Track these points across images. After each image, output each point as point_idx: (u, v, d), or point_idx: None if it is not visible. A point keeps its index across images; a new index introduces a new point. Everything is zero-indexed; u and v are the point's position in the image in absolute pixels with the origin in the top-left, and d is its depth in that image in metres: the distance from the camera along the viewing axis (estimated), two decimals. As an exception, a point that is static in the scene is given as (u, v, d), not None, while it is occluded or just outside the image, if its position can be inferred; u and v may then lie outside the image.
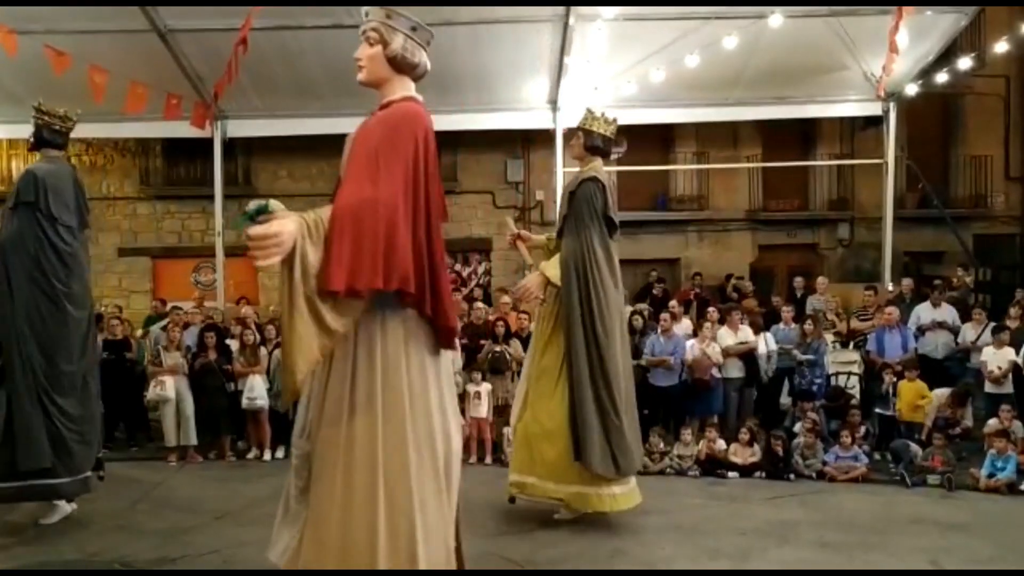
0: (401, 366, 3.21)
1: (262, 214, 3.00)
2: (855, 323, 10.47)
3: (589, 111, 6.25)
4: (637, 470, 6.35)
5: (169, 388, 8.77)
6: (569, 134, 12.32)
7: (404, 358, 3.23)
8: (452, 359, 3.92)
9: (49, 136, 6.19)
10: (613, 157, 16.55)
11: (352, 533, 3.18)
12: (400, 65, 3.42)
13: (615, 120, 6.23)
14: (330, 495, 3.21)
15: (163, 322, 9.99)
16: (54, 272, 5.85)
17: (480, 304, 10.53)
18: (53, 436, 5.75)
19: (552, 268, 5.93)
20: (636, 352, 9.36)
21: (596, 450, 5.81)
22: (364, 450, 3.17)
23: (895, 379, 8.88)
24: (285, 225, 2.89)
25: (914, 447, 8.18)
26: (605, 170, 6.15)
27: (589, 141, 6.13)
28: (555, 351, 6.01)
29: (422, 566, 3.19)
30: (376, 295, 3.09)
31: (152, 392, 8.92)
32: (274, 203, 3.04)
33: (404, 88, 3.45)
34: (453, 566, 3.45)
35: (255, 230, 2.87)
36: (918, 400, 8.68)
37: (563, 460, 5.88)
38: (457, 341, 9.38)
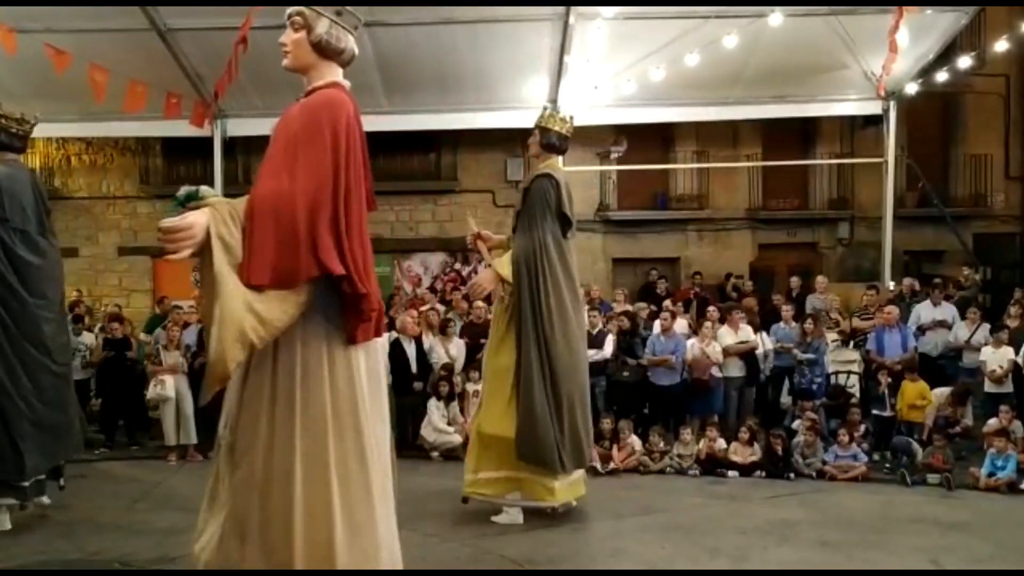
0: (323, 354, 3.16)
1: (192, 200, 2.99)
2: (856, 322, 10.47)
3: (546, 109, 6.32)
4: (583, 467, 6.34)
5: (169, 387, 8.78)
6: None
7: (326, 346, 3.17)
8: (382, 347, 3.82)
9: (6, 139, 6.05)
10: (613, 157, 16.64)
11: (270, 522, 3.13)
12: (325, 50, 3.33)
13: (571, 118, 6.31)
14: (248, 485, 3.15)
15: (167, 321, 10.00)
16: (7, 276, 5.75)
17: (480, 303, 10.51)
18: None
19: (505, 265, 5.91)
20: (630, 351, 9.38)
21: (540, 445, 5.78)
22: (282, 439, 3.11)
23: (890, 380, 8.87)
24: (198, 218, 2.89)
25: (915, 445, 8.20)
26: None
27: (545, 139, 6.15)
28: (509, 349, 5.97)
29: (341, 561, 3.13)
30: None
31: (152, 391, 8.93)
32: (205, 189, 3.03)
33: (331, 74, 3.36)
34: (400, 565, 3.39)
35: (165, 223, 2.87)
36: (919, 400, 8.68)
37: (511, 455, 5.88)
38: (461, 339, 9.35)
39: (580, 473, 6.23)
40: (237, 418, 3.22)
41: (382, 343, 3.72)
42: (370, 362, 3.35)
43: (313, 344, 3.15)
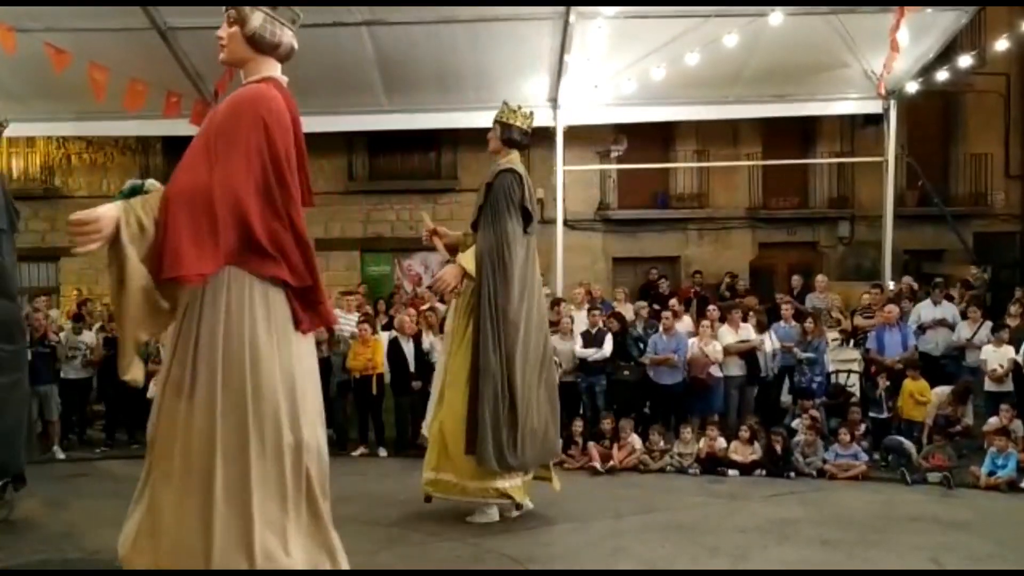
0: (245, 349, 3.09)
1: (137, 194, 3.00)
2: (858, 320, 10.47)
3: (506, 104, 6.29)
4: (531, 469, 6.16)
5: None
6: (570, 131, 12.40)
7: (248, 341, 3.10)
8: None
9: None
10: (613, 155, 16.62)
11: (186, 520, 3.08)
12: (259, 45, 3.25)
13: (532, 114, 6.33)
14: (166, 481, 3.13)
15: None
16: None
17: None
18: None
19: (469, 260, 5.86)
20: (624, 352, 9.39)
21: (487, 444, 5.71)
22: (201, 435, 3.05)
23: (888, 383, 8.86)
24: (108, 211, 2.90)
25: (907, 444, 8.18)
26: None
27: (506, 134, 6.15)
28: (468, 347, 5.90)
29: (259, 561, 3.06)
30: (220, 276, 3.06)
31: (152, 390, 8.89)
32: (151, 182, 3.04)
33: (267, 69, 3.29)
34: (335, 564, 3.38)
35: (75, 215, 2.88)
36: (919, 397, 8.67)
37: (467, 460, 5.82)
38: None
39: (523, 479, 6.06)
40: (159, 413, 3.17)
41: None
42: (312, 355, 3.37)
43: (236, 337, 3.09)
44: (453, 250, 6.26)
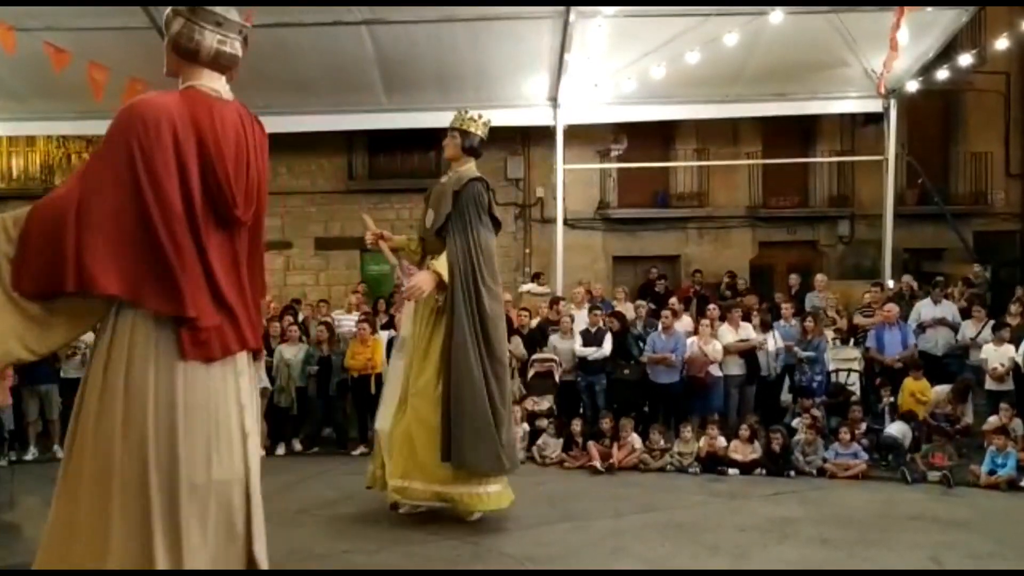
0: (149, 368, 2.97)
1: None
2: (859, 319, 10.46)
3: (460, 112, 6.22)
4: (517, 467, 6.21)
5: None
6: (570, 130, 12.40)
7: (153, 359, 2.98)
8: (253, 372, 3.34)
9: None
10: (613, 154, 16.59)
11: (77, 544, 2.97)
12: (180, 51, 3.11)
13: (488, 121, 6.24)
14: (61, 510, 3.01)
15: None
16: None
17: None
18: None
19: (443, 266, 5.81)
20: (624, 351, 9.38)
21: (479, 447, 5.68)
22: (102, 449, 2.95)
23: (892, 399, 8.76)
24: None
25: (899, 436, 8.14)
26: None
27: (468, 142, 6.10)
28: (437, 351, 5.86)
29: None
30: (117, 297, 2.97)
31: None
32: None
33: (194, 77, 3.14)
34: None
35: None
36: (920, 395, 8.65)
37: (440, 467, 5.77)
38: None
39: (505, 480, 6.04)
40: (72, 437, 3.07)
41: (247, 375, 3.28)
42: (206, 386, 3.06)
43: (139, 356, 2.98)
44: (394, 253, 6.36)
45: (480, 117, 6.19)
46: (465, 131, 6.12)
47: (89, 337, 10.17)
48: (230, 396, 3.14)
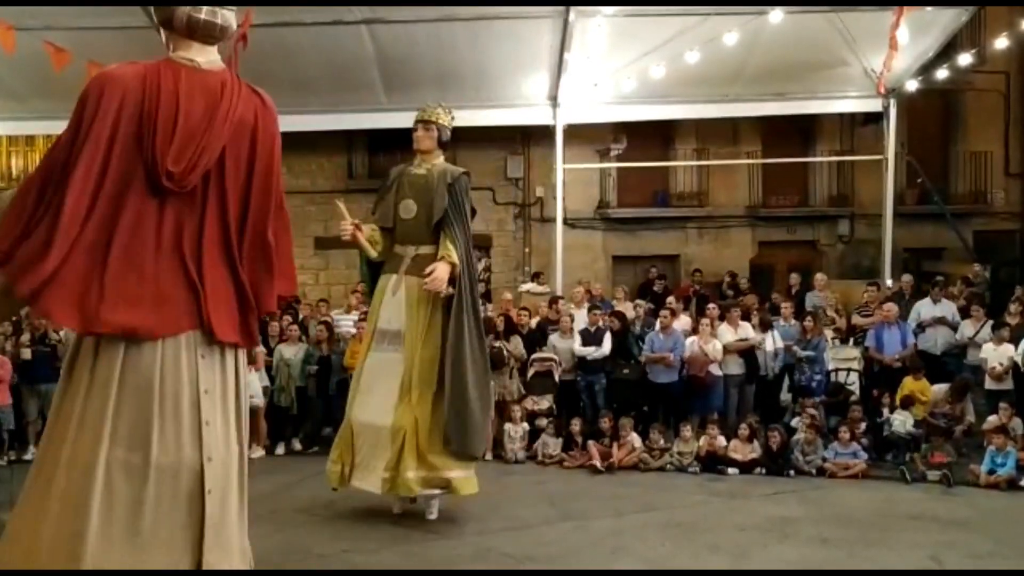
0: (89, 347, 2.91)
1: None
2: (857, 319, 10.47)
3: (429, 105, 6.19)
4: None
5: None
6: (569, 130, 12.40)
7: (72, 346, 2.95)
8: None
9: None
10: (613, 154, 16.56)
11: (19, 521, 2.93)
12: (162, 22, 3.05)
13: (454, 116, 6.27)
14: (20, 511, 2.95)
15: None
16: None
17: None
18: None
19: (455, 256, 5.81)
20: (625, 351, 9.39)
21: (479, 431, 5.88)
22: (54, 430, 2.93)
23: (891, 413, 8.59)
24: None
25: (897, 419, 8.12)
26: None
27: (442, 134, 6.11)
28: (435, 341, 5.86)
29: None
30: None
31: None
32: None
33: (175, 47, 3.05)
34: None
35: None
36: (920, 396, 8.63)
37: (441, 451, 5.80)
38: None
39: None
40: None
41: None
42: (151, 365, 2.92)
43: (77, 363, 2.92)
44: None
45: (448, 109, 6.21)
46: (440, 124, 6.12)
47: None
48: (183, 378, 2.96)
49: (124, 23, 9.95)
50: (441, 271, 5.78)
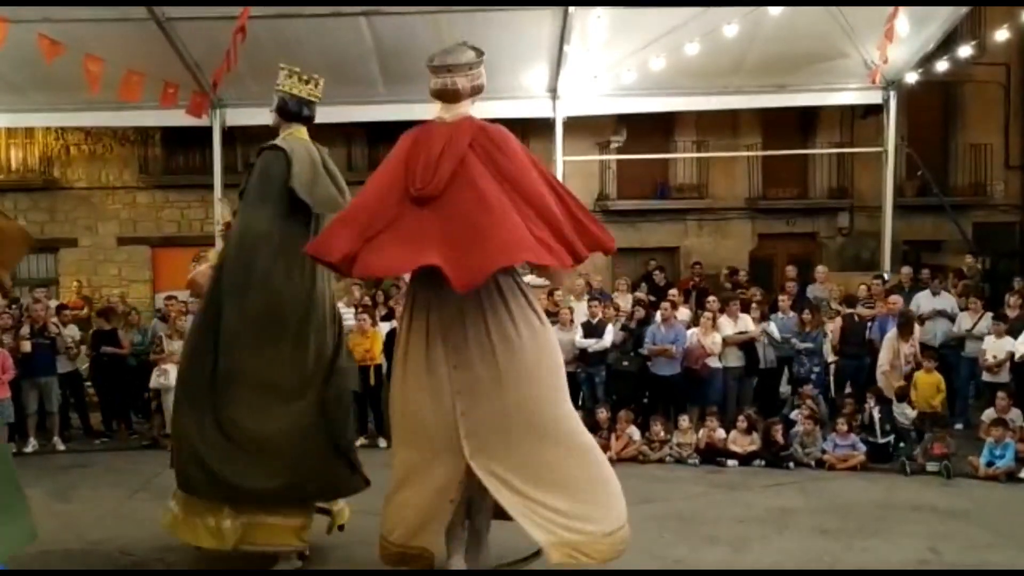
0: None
1: None
2: (859, 310, 10.44)
3: (281, 69, 5.47)
4: None
5: (171, 376, 8.77)
6: (569, 122, 12.37)
7: None
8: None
9: None
10: (612, 146, 16.51)
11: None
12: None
13: (317, 81, 5.53)
14: None
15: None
16: None
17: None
18: None
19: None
20: (637, 339, 9.39)
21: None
22: None
23: (880, 416, 8.38)
24: None
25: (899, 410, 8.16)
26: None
27: (279, 104, 5.42)
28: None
29: None
30: None
31: (155, 380, 8.99)
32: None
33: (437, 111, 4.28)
34: None
35: None
36: (935, 393, 8.53)
37: None
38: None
39: None
40: None
41: None
42: None
43: None
44: None
45: (299, 73, 5.56)
46: (279, 91, 5.50)
47: (72, 331, 10.20)
48: None
49: (123, 15, 9.93)
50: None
